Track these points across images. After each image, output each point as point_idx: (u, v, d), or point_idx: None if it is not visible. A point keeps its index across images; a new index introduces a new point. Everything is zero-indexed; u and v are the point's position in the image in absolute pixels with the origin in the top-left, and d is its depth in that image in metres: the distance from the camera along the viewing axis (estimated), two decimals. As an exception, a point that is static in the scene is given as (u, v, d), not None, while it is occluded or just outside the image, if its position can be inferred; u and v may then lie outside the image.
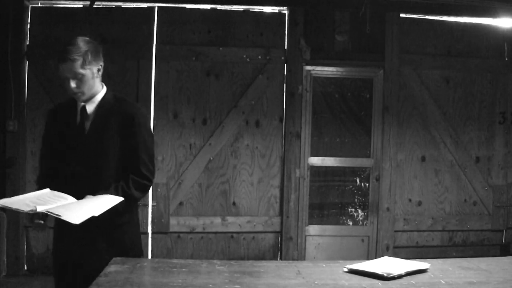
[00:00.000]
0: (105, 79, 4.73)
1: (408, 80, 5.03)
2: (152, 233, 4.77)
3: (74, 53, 2.41)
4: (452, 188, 5.11)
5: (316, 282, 2.33)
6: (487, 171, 5.18)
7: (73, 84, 2.42)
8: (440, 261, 2.84)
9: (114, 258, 2.63)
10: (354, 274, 2.47)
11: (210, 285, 2.21)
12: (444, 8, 5.05)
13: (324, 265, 2.67)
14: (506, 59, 5.20)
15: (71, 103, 2.54)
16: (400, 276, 2.42)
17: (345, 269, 2.53)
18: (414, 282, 2.37)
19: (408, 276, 2.43)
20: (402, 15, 5.02)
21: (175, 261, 2.61)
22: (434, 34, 5.10)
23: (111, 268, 2.47)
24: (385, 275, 2.38)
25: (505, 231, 5.21)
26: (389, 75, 4.97)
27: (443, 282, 2.39)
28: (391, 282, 2.35)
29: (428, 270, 2.56)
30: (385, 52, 4.96)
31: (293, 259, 4.87)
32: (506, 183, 5.20)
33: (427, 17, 5.11)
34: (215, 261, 2.70)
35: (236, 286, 2.22)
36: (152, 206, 4.77)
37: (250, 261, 2.75)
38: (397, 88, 4.99)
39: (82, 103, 2.51)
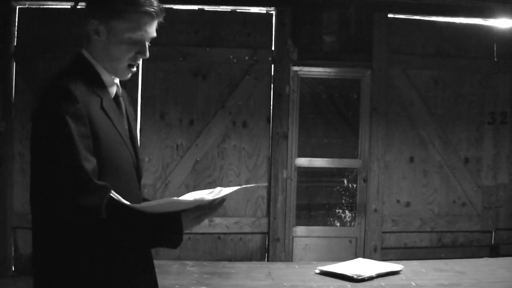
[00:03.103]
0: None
1: (396, 81, 5.01)
2: (139, 234, 4.76)
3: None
4: (441, 189, 5.09)
5: (284, 284, 2.33)
6: (476, 172, 5.15)
7: (148, 52, 1.68)
8: (415, 262, 2.84)
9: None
10: (325, 275, 2.46)
11: (177, 286, 2.21)
12: (433, 8, 5.02)
13: (297, 267, 2.66)
14: (496, 59, 5.17)
15: (90, 87, 1.59)
16: (370, 278, 2.41)
17: (317, 271, 2.52)
18: (384, 284, 2.37)
19: (380, 278, 2.42)
20: (390, 15, 5.00)
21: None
22: (423, 34, 5.08)
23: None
24: (354, 277, 2.38)
25: (495, 232, 5.18)
26: (377, 75, 4.95)
27: (414, 284, 2.38)
28: (360, 284, 2.35)
29: (401, 272, 2.55)
30: (373, 53, 4.95)
31: (280, 260, 4.86)
32: (496, 184, 5.17)
33: (416, 17, 5.09)
34: (187, 262, 2.71)
35: (203, 287, 2.22)
36: (139, 207, 4.76)
37: (224, 262, 2.76)
38: (385, 89, 4.98)
39: (115, 88, 1.72)
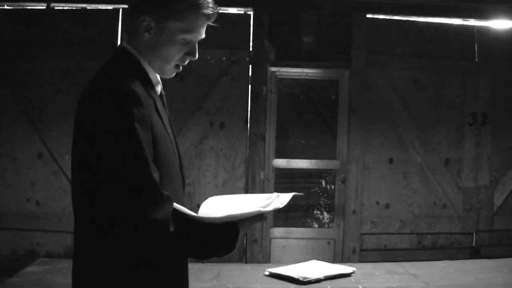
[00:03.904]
0: (67, 80, 4.81)
1: (375, 81, 4.98)
2: (116, 234, 4.76)
3: None
4: (421, 190, 5.05)
5: (228, 286, 2.31)
6: (457, 173, 5.11)
7: (197, 54, 1.60)
8: (371, 265, 2.81)
9: (39, 259, 2.63)
10: (273, 277, 2.45)
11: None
12: (413, 9, 5.00)
13: (248, 268, 2.65)
14: (477, 60, 5.13)
15: (143, 86, 1.50)
16: (318, 281, 2.39)
17: (266, 273, 2.51)
18: (329, 287, 2.34)
19: (328, 281, 2.40)
20: (369, 15, 4.97)
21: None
22: (403, 35, 5.05)
23: (30, 268, 2.48)
24: (300, 279, 2.36)
25: (475, 233, 5.14)
26: (356, 76, 4.93)
27: (360, 287, 2.36)
28: (307, 286, 2.33)
29: (352, 274, 2.53)
30: (351, 53, 4.92)
31: (258, 262, 4.84)
32: (476, 186, 5.12)
33: (395, 17, 5.06)
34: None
35: None
36: (116, 207, 4.76)
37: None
38: (364, 90, 4.95)
39: (160, 87, 1.61)
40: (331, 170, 5.00)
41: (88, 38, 4.78)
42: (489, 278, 2.43)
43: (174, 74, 1.60)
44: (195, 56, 1.56)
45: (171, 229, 1.35)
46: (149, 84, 1.50)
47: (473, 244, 5.14)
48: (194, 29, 1.51)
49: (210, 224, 1.43)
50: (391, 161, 5.03)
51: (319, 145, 4.99)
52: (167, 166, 1.45)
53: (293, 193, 1.58)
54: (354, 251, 4.94)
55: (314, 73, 4.94)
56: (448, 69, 5.08)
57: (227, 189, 4.87)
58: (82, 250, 1.48)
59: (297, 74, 4.94)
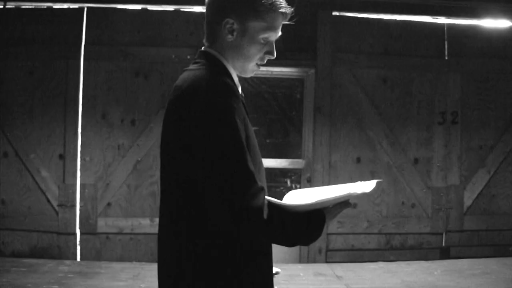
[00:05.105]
0: (33, 79, 4.82)
1: (342, 80, 4.93)
2: (81, 234, 4.76)
3: None
4: (389, 190, 5.00)
5: (141, 285, 2.29)
6: (426, 172, 5.05)
7: (275, 52, 1.65)
8: (301, 266, 2.77)
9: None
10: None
11: (29, 285, 2.19)
12: (381, 6, 4.95)
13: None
14: (447, 58, 5.07)
15: (237, 89, 1.58)
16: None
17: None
18: None
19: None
20: (335, 13, 4.92)
21: (24, 260, 2.60)
22: (371, 33, 4.99)
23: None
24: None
25: (445, 234, 5.07)
26: (321, 74, 4.88)
27: (276, 288, 2.32)
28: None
29: (275, 276, 2.49)
30: (317, 51, 4.87)
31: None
32: (446, 185, 5.06)
33: (363, 15, 5.01)
34: (65, 261, 2.68)
35: (55, 286, 2.19)
36: (80, 206, 4.77)
37: (105, 262, 2.73)
38: (330, 88, 4.90)
39: (240, 87, 1.67)
40: (296, 169, 4.96)
41: (53, 37, 4.78)
42: (415, 281, 2.38)
43: (254, 73, 1.66)
44: (273, 55, 1.62)
45: (265, 217, 1.41)
46: (234, 84, 1.57)
47: (443, 244, 5.08)
48: (274, 28, 1.57)
49: (298, 212, 1.46)
50: (358, 160, 4.98)
51: (284, 144, 4.96)
52: (256, 157, 1.53)
53: (376, 180, 1.62)
54: (320, 251, 4.89)
55: (279, 71, 4.90)
56: (417, 67, 5.02)
57: (192, 188, 4.85)
58: (176, 244, 1.52)
59: (261, 72, 4.89)
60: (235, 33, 1.55)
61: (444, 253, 5.07)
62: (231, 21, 1.54)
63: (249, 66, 1.60)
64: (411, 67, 5.01)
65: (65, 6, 4.82)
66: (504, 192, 5.12)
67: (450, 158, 5.06)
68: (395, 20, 5.03)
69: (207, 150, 1.43)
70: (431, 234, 5.07)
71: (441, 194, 5.04)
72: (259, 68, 1.64)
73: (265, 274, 1.58)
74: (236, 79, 1.60)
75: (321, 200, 1.47)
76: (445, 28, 5.06)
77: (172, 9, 4.89)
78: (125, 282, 2.31)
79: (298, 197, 1.60)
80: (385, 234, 5.01)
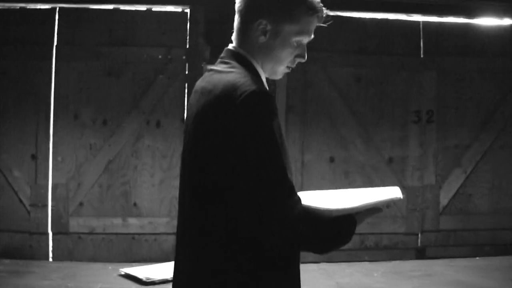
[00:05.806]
0: (6, 80, 4.83)
1: (315, 78, 4.90)
2: (53, 234, 4.76)
3: None
4: (363, 190, 4.94)
5: (69, 285, 2.28)
6: (401, 172, 5.00)
7: (306, 56, 1.61)
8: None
9: None
10: (125, 278, 2.41)
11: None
12: (354, 4, 4.90)
13: (110, 267, 2.61)
14: (422, 56, 5.02)
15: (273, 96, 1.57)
16: (164, 281, 2.34)
17: (122, 273, 2.47)
18: None
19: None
20: (308, 12, 4.88)
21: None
22: (344, 31, 4.95)
23: None
24: (144, 279, 2.32)
25: (421, 234, 5.02)
26: (293, 73, 4.81)
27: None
28: (149, 287, 2.28)
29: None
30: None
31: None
32: (422, 185, 5.01)
33: (337, 13, 4.95)
34: (6, 261, 2.68)
35: (-20, 288, 2.19)
36: (52, 206, 4.77)
37: (38, 262, 2.72)
38: (303, 87, 4.87)
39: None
40: (269, 169, 4.92)
41: (26, 37, 4.79)
42: (349, 282, 2.34)
43: (282, 76, 1.63)
44: (305, 58, 1.59)
45: (300, 227, 1.39)
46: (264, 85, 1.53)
47: (419, 244, 5.02)
48: (307, 31, 1.55)
49: (330, 219, 1.44)
50: (332, 160, 4.94)
51: (256, 143, 4.91)
52: (288, 163, 1.48)
53: (397, 187, 1.59)
54: (293, 251, 4.85)
55: (251, 70, 4.87)
56: (392, 66, 4.97)
57: (164, 188, 4.84)
58: (201, 249, 1.47)
59: (233, 72, 4.87)
60: (268, 35, 1.52)
61: (420, 254, 5.02)
62: (264, 22, 1.51)
63: (279, 69, 1.58)
64: (386, 66, 4.97)
65: (38, 6, 4.83)
66: (481, 191, 5.06)
67: (425, 157, 5.01)
68: (370, 18, 4.98)
69: (248, 159, 1.38)
70: (406, 234, 5.02)
71: (417, 194, 4.99)
72: (289, 70, 1.61)
73: (296, 282, 1.56)
74: (264, 81, 1.56)
75: (363, 204, 1.43)
76: (421, 26, 5.01)
77: (144, 9, 4.88)
78: (54, 281, 2.30)
79: (312, 200, 1.52)
80: (359, 234, 4.96)
